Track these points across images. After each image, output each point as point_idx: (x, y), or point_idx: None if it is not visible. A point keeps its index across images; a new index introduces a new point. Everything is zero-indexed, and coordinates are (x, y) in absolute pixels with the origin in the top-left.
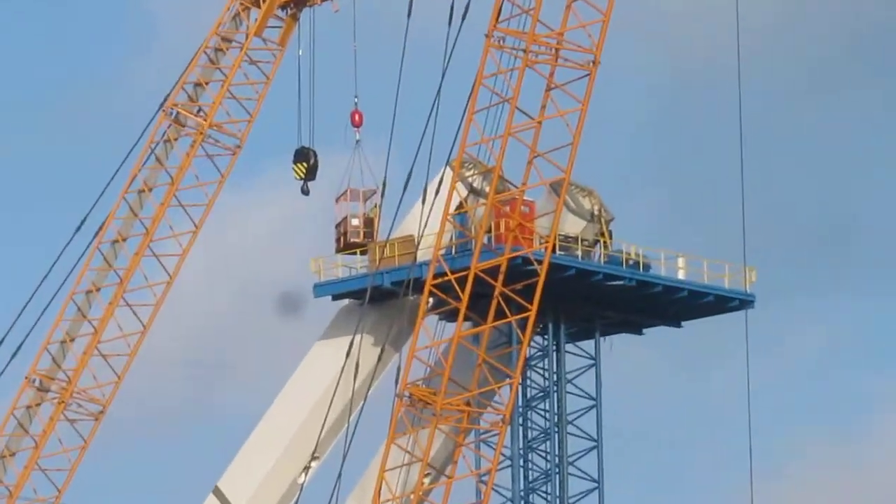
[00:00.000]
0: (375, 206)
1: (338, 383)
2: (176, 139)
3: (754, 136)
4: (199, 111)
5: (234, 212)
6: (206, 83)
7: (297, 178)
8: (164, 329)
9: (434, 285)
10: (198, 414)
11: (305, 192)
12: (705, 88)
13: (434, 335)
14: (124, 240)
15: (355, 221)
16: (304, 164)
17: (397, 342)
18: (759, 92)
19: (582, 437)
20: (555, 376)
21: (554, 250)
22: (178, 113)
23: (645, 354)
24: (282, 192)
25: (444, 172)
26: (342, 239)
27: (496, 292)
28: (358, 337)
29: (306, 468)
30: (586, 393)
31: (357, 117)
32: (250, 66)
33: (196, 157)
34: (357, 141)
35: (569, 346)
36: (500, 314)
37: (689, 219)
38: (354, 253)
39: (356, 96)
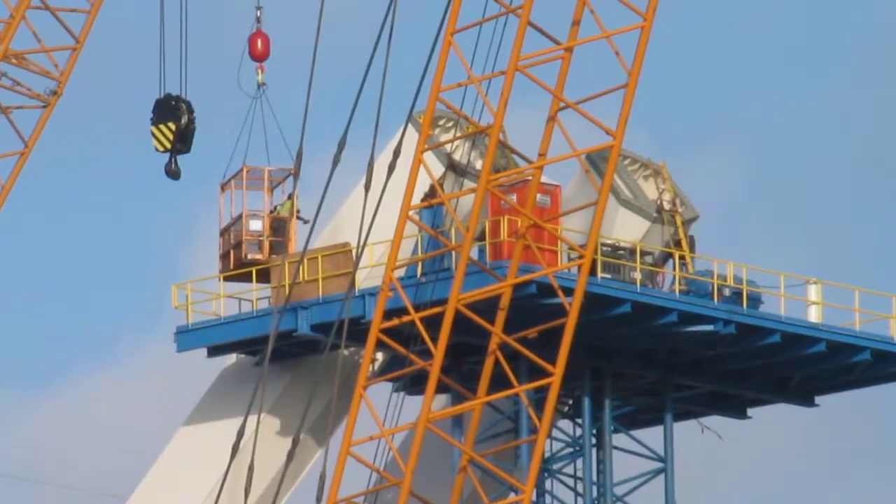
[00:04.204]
0: (289, 198)
1: (217, 498)
2: None
3: None
4: None
5: None
6: None
7: (160, 148)
8: None
9: (385, 331)
10: None
11: (173, 172)
12: None
13: (386, 417)
14: None
15: (256, 224)
16: (172, 126)
17: (320, 429)
18: None
19: None
20: (594, 490)
21: (594, 271)
22: None
23: (754, 451)
24: (135, 172)
25: (403, 135)
26: (233, 254)
27: (493, 344)
28: (253, 419)
29: None
30: None
31: (260, 44)
32: None
33: None
34: (259, 85)
35: (619, 438)
36: (499, 382)
37: (821, 224)
38: (247, 278)
39: (258, 8)
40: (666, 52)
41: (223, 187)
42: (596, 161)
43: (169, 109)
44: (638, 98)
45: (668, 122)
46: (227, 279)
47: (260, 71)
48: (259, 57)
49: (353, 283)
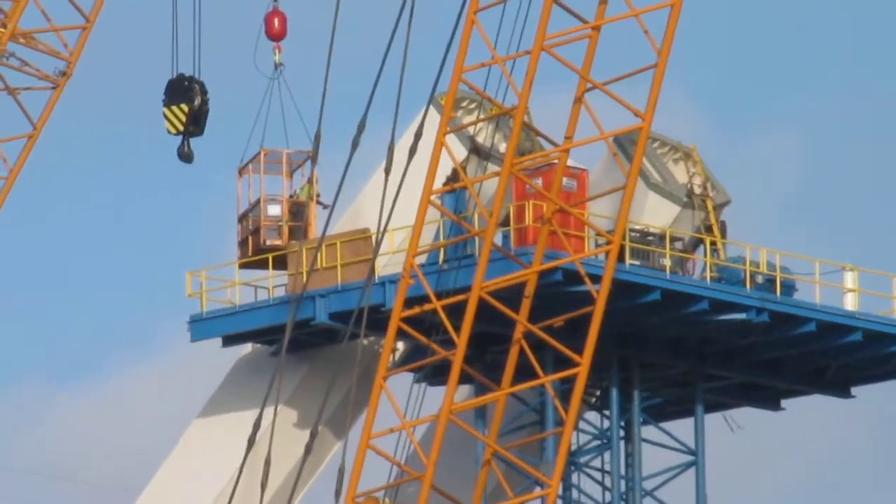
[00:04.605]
0: (310, 182)
1: (233, 492)
2: None
3: None
4: None
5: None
6: None
7: (173, 131)
8: None
9: (406, 320)
10: None
11: (186, 155)
12: None
13: (407, 409)
14: None
15: (274, 209)
16: (185, 107)
17: (339, 421)
18: None
19: None
20: (622, 484)
21: (622, 258)
22: None
23: (786, 444)
24: (147, 154)
25: (424, 117)
26: (251, 241)
27: (518, 333)
28: (269, 411)
29: None
30: None
31: (276, 23)
32: None
33: None
34: (277, 66)
35: (647, 430)
36: (524, 372)
37: (853, 206)
38: (264, 265)
39: None
40: (721, 35)
41: (240, 171)
42: (624, 144)
43: (182, 90)
44: (674, 80)
45: (711, 105)
46: (242, 266)
47: (277, 51)
48: (276, 36)
49: (372, 270)
